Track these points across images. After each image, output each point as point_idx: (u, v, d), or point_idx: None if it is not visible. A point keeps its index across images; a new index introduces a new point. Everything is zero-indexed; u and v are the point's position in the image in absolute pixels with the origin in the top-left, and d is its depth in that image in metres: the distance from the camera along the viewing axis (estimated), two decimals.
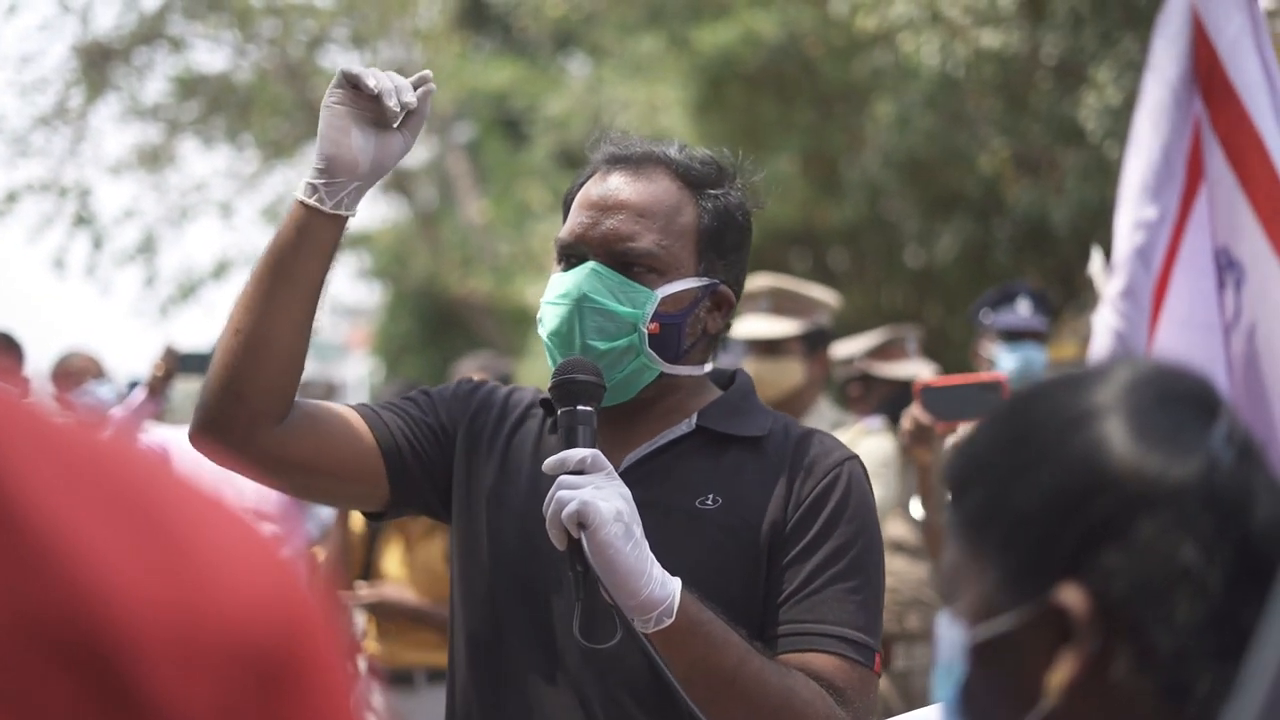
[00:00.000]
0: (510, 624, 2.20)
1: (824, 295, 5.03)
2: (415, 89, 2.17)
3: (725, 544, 2.14)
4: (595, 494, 1.96)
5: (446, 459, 2.28)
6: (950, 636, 1.17)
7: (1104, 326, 2.44)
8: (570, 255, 2.20)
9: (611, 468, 2.03)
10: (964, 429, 4.49)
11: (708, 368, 2.29)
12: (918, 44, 9.18)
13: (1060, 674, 1.09)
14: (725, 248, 2.23)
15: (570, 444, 2.05)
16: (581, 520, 1.95)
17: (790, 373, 4.80)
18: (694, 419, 2.23)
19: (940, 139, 9.94)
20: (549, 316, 2.18)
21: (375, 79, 2.12)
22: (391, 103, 2.11)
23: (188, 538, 0.68)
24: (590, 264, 2.17)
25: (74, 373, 6.02)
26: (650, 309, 2.16)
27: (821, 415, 4.82)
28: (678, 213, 2.20)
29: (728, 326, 2.29)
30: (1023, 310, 5.49)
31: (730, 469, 2.19)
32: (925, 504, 4.34)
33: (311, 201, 2.12)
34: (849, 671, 2.10)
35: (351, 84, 2.13)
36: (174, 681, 0.64)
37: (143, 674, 0.64)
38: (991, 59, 9.27)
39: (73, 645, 0.63)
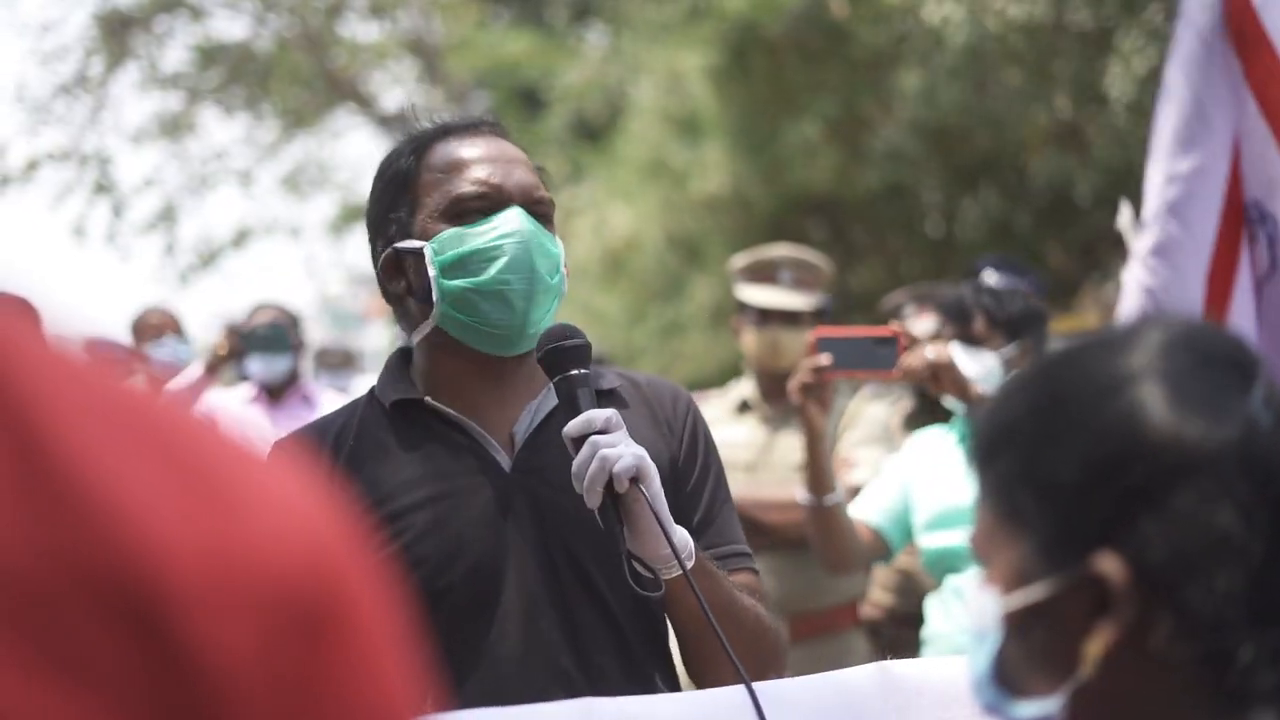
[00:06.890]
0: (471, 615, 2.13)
1: (828, 266, 4.99)
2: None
3: None
4: (639, 449, 2.01)
5: None
6: (981, 602, 1.16)
7: (1134, 283, 2.39)
8: (482, 206, 2.17)
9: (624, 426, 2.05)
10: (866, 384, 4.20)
11: None
12: (942, 16, 9.11)
13: (1098, 643, 1.08)
14: None
15: (574, 410, 2.04)
16: (638, 474, 1.98)
17: (802, 345, 4.78)
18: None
19: (968, 107, 9.88)
20: (507, 252, 2.13)
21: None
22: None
23: (225, 484, 0.67)
24: (518, 208, 2.15)
25: (152, 328, 5.94)
26: (562, 252, 2.19)
27: None
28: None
29: None
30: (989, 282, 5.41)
31: None
32: (813, 483, 3.56)
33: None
34: (758, 580, 2.26)
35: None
36: (214, 628, 0.64)
37: (184, 622, 0.63)
38: (1017, 29, 9.21)
39: (114, 594, 0.63)
